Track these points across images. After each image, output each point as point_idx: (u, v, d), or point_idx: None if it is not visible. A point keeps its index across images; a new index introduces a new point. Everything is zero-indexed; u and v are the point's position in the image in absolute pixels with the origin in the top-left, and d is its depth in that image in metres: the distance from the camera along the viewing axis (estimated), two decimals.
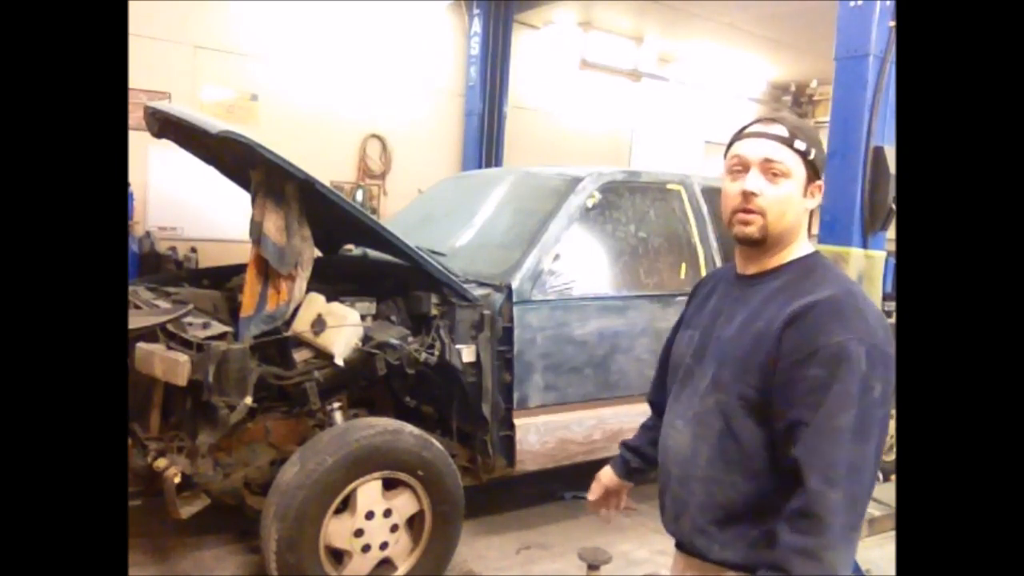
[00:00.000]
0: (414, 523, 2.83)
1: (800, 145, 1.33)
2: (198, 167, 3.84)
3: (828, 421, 1.16)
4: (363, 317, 2.97)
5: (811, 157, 1.33)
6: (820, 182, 1.36)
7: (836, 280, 1.31)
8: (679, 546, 1.45)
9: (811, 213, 1.41)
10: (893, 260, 3.57)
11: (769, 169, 1.32)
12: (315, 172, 2.79)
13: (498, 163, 7.44)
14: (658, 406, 1.66)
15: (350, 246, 4.03)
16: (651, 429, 1.69)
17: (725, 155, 1.42)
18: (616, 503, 1.79)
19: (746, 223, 1.34)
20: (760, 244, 1.35)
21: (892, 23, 3.17)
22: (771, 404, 1.25)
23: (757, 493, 1.29)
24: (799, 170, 1.33)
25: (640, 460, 1.72)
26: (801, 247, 1.38)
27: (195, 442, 2.65)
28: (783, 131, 1.34)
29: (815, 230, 3.50)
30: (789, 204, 1.33)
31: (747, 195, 1.32)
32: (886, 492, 3.67)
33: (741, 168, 1.35)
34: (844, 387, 1.16)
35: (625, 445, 1.75)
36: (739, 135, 1.41)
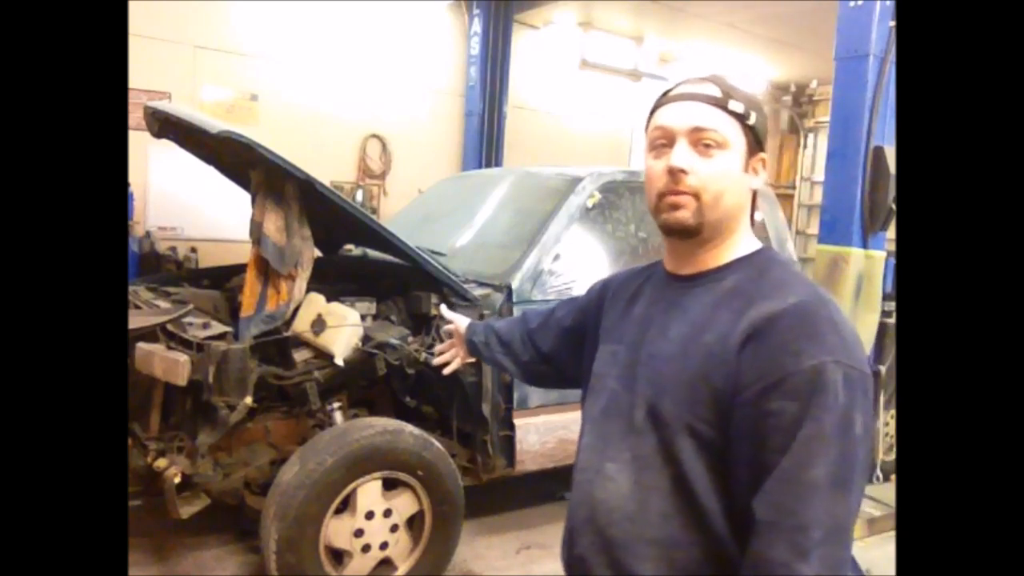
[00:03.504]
0: (414, 523, 2.83)
1: (736, 107, 1.08)
2: (198, 167, 3.84)
3: (799, 471, 0.91)
4: (363, 317, 2.97)
5: (751, 122, 1.08)
6: (764, 155, 1.11)
7: (800, 282, 1.05)
8: None
9: (754, 196, 1.15)
10: (893, 260, 3.58)
11: (700, 139, 1.06)
12: (315, 172, 2.79)
13: (498, 163, 7.44)
14: (533, 334, 1.53)
15: (350, 246, 4.03)
16: (509, 342, 1.58)
17: (646, 128, 1.15)
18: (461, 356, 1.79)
19: (676, 207, 1.08)
20: (695, 235, 1.09)
21: (892, 23, 3.17)
22: (730, 444, 0.99)
23: (727, 558, 1.00)
24: (738, 139, 1.08)
25: (484, 346, 1.64)
26: (747, 240, 1.13)
27: (195, 442, 2.65)
28: (715, 91, 1.08)
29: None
30: (728, 182, 1.07)
31: (675, 173, 1.07)
32: (886, 492, 3.68)
33: (666, 141, 1.09)
34: (819, 426, 0.91)
35: (492, 328, 1.65)
36: (662, 99, 1.14)
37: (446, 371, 1.82)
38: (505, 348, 1.59)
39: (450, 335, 1.83)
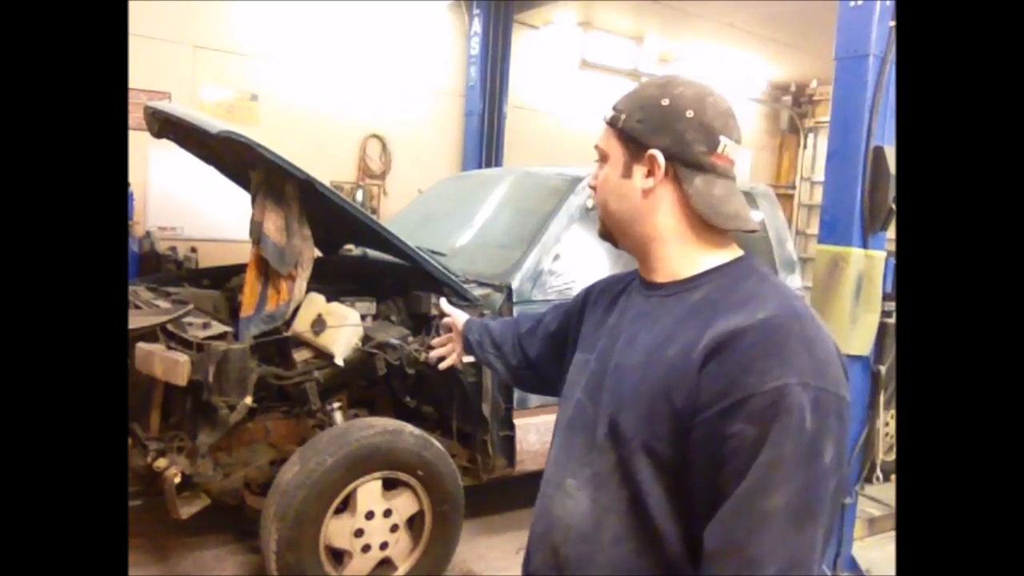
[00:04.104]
0: (414, 523, 2.84)
1: (607, 116, 1.10)
2: (198, 167, 3.84)
3: (754, 500, 0.84)
4: (363, 317, 2.97)
5: (620, 125, 1.07)
6: (653, 152, 1.03)
7: (775, 294, 0.96)
8: None
9: (680, 199, 1.04)
10: (893, 260, 3.58)
11: (599, 158, 1.14)
12: (315, 172, 2.80)
13: (498, 163, 7.44)
14: (523, 339, 1.51)
15: (350, 246, 4.03)
16: (501, 344, 1.55)
17: None
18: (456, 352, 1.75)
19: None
20: (615, 242, 1.14)
21: (892, 23, 3.16)
22: (689, 466, 0.91)
23: None
24: (614, 147, 1.08)
25: (478, 345, 1.60)
26: (716, 248, 1.05)
27: (195, 442, 2.65)
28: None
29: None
30: (605, 190, 1.10)
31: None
32: (886, 492, 3.67)
33: None
34: (779, 453, 0.84)
35: (488, 327, 1.61)
36: None
37: (442, 366, 1.79)
38: (497, 350, 1.57)
39: (448, 329, 1.79)
